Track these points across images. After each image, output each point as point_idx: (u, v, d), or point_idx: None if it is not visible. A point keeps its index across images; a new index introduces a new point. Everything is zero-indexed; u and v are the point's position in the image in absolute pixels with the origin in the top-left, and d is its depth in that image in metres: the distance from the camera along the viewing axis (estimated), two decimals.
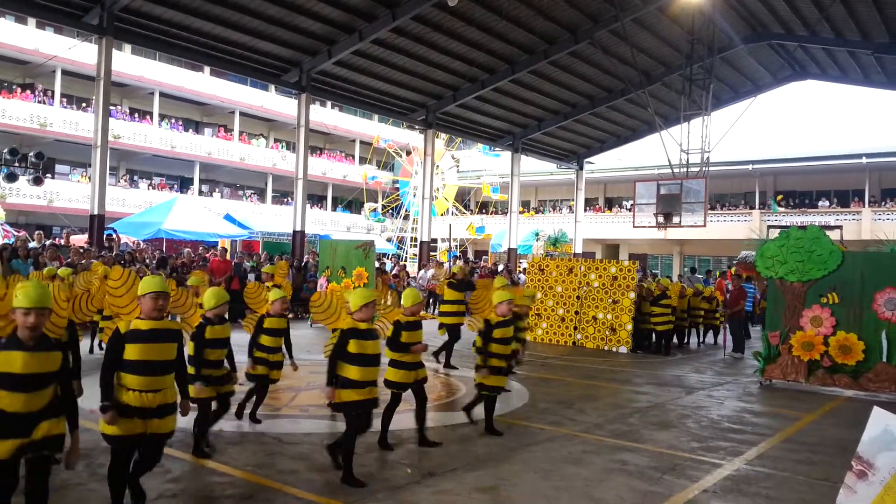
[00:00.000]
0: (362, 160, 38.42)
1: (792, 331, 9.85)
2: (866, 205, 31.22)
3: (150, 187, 30.89)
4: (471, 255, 34.68)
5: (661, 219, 21.93)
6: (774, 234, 11.59)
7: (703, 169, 22.68)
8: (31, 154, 17.71)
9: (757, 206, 33.71)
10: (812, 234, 10.01)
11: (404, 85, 22.25)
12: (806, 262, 9.82)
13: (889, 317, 9.20)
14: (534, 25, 20.23)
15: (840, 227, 19.81)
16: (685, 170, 22.90)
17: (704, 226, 22.02)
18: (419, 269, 23.18)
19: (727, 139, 23.80)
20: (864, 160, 30.38)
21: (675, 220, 21.74)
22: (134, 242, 19.39)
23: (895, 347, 9.25)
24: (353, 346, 4.77)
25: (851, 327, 9.46)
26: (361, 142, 38.87)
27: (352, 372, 4.77)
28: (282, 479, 4.86)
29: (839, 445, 6.43)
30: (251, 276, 15.35)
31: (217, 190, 33.94)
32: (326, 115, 35.77)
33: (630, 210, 30.17)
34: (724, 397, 9.19)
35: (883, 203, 31.56)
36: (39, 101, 26.92)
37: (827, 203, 32.94)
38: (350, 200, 37.67)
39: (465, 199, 37.49)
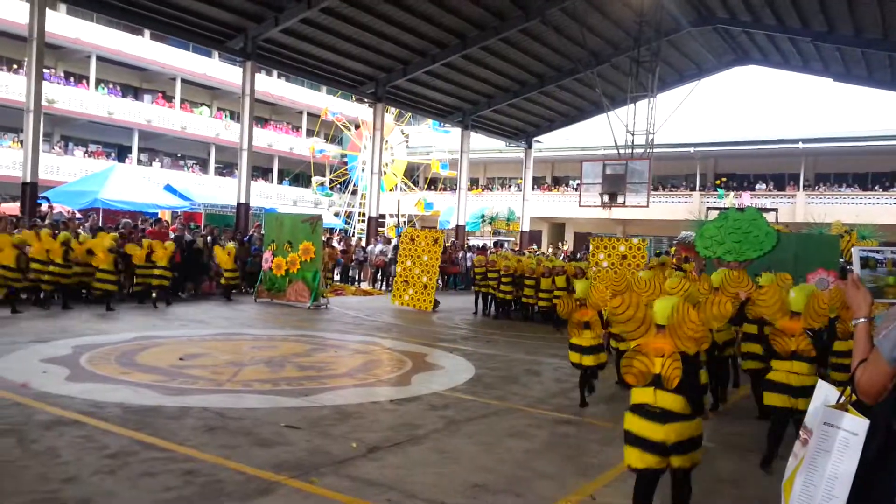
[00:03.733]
0: (310, 133, 37.68)
1: None
2: (801, 188, 32.39)
3: (87, 155, 29.68)
4: None
5: (606, 198, 22.26)
6: (714, 215, 11.92)
7: (648, 150, 23.07)
8: None
9: (698, 188, 34.58)
10: (749, 216, 10.34)
11: (353, 56, 21.85)
12: (743, 242, 10.14)
13: None
14: (486, 0, 20.09)
15: (775, 210, 20.49)
16: (630, 151, 23.27)
17: (647, 206, 22.45)
18: (367, 243, 23.05)
19: (671, 122, 24.27)
20: (800, 145, 31.43)
21: (620, 199, 22.10)
22: (68, 212, 18.61)
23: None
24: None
25: None
26: (309, 114, 38.06)
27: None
28: (224, 454, 4.80)
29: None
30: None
31: (157, 159, 32.82)
32: (273, 85, 34.89)
33: (576, 189, 30.54)
34: None
35: (816, 187, 32.79)
36: None
37: (764, 186, 34.04)
38: (297, 174, 36.98)
39: (413, 175, 37.28)
